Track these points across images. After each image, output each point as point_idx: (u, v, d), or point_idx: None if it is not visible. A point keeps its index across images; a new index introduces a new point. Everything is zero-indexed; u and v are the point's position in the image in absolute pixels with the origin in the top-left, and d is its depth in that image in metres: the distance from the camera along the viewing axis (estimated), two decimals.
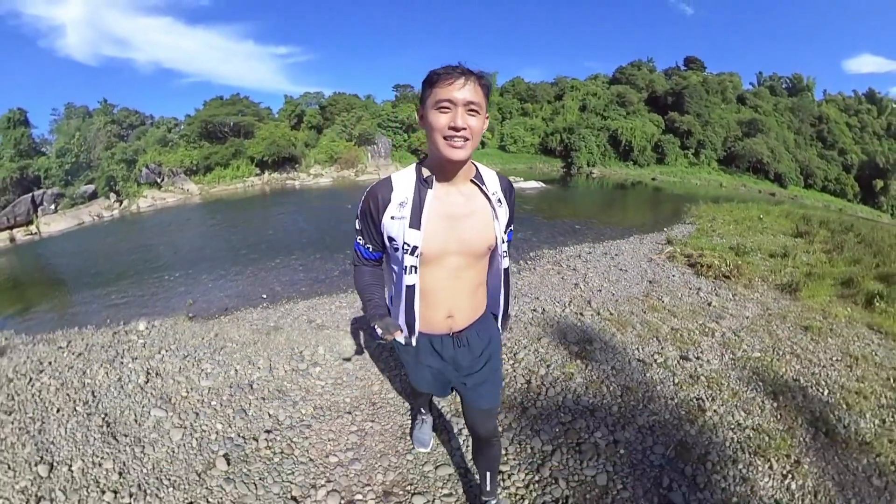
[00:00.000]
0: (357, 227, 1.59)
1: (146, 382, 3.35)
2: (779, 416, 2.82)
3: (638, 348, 3.68)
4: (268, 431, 2.75)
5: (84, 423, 2.84)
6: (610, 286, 5.37)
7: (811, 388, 3.14)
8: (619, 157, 54.55)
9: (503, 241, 1.58)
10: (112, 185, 34.50)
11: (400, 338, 1.60)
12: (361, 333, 4.10)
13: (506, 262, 1.65)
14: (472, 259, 1.57)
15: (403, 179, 1.51)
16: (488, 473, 2.00)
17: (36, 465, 2.48)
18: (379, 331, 1.46)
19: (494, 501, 2.09)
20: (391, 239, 1.50)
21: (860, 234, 9.56)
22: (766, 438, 2.59)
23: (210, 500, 2.24)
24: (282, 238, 12.93)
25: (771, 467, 2.38)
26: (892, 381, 3.21)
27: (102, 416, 2.93)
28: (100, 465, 2.49)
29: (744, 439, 2.59)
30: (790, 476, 2.32)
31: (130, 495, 2.27)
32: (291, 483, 2.35)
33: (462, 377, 1.76)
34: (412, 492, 2.30)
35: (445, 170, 1.46)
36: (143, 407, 3.02)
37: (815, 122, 61.77)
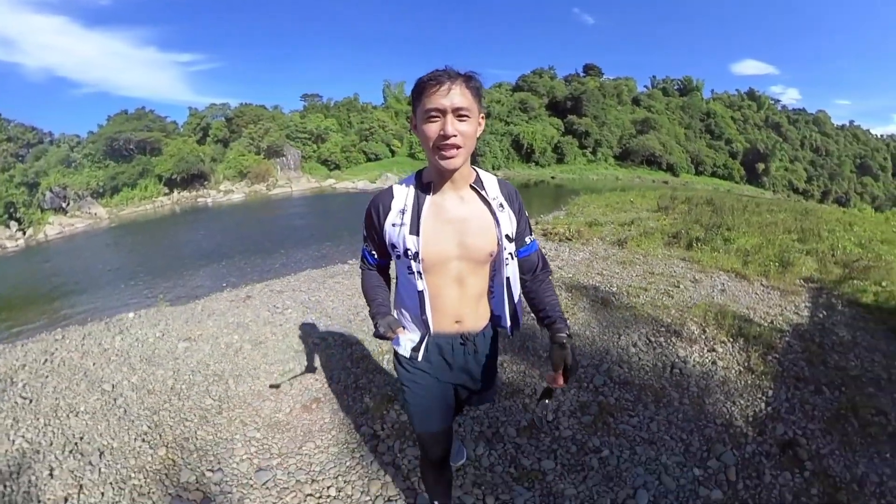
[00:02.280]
0: (364, 233, 1.67)
1: (162, 336, 4.27)
2: (570, 298, 4.62)
3: None
4: (271, 334, 4.19)
5: (125, 363, 3.74)
6: None
7: (604, 287, 4.97)
8: (522, 159, 58.19)
9: (504, 248, 1.57)
10: (12, 213, 31.75)
11: (404, 344, 1.66)
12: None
13: (508, 271, 1.62)
14: (475, 265, 1.58)
15: (403, 187, 1.56)
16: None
17: (99, 386, 3.36)
18: (381, 329, 1.47)
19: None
20: (393, 246, 1.54)
21: (713, 203, 12.03)
22: None
23: (248, 362, 3.67)
24: (217, 248, 13.78)
25: None
26: (676, 282, 5.09)
27: (137, 357, 3.86)
28: (153, 373, 3.55)
29: None
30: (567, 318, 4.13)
31: (190, 374, 3.49)
32: (292, 345, 3.94)
33: (468, 388, 1.81)
34: (363, 339, 4.01)
35: (443, 177, 1.49)
36: (169, 345, 4.07)
37: (704, 118, 68.83)
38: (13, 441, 2.80)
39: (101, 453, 2.69)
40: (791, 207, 15.20)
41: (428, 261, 1.50)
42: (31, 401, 3.23)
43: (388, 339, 1.47)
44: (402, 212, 1.50)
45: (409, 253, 1.49)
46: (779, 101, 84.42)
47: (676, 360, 3.50)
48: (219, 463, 2.54)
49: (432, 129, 1.34)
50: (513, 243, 1.59)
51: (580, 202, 13.31)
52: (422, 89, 1.33)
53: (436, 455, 1.83)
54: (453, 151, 1.35)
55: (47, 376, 3.57)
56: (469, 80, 1.35)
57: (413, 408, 1.74)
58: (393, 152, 58.06)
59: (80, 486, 2.45)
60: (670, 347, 3.69)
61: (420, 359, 1.66)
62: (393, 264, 1.67)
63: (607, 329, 4.02)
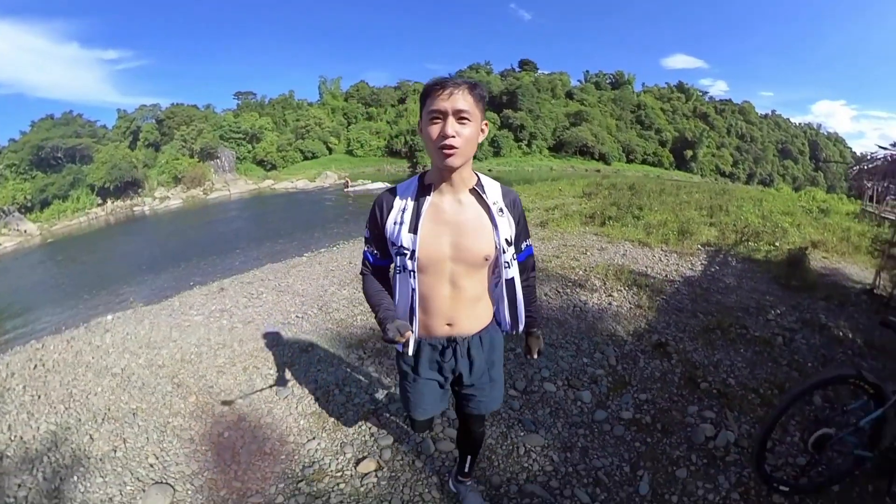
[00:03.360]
0: (366, 234, 1.71)
1: (151, 329, 4.55)
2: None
3: None
4: (256, 314, 4.83)
5: (125, 351, 4.07)
6: None
7: None
8: None
9: (504, 252, 1.60)
10: None
11: (412, 341, 1.61)
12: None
13: (510, 273, 1.67)
14: (470, 268, 1.60)
15: (406, 188, 1.62)
16: (469, 457, 2.20)
17: (108, 372, 3.71)
18: (390, 333, 1.47)
19: (470, 482, 2.33)
20: (393, 243, 1.59)
21: (635, 188, 13.53)
22: None
23: (244, 333, 4.30)
24: (171, 253, 14.09)
25: None
26: (585, 250, 6.21)
27: (136, 345, 4.18)
28: (158, 353, 4.00)
29: None
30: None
31: (195, 348, 4.04)
32: (278, 319, 4.61)
33: (463, 388, 1.85)
34: (336, 307, 4.78)
35: (443, 178, 1.53)
36: (162, 333, 4.44)
37: (635, 109, 74.06)
38: (38, 428, 3.04)
39: (135, 413, 3.12)
40: (709, 188, 17.16)
41: (422, 260, 1.56)
42: (39, 397, 3.39)
43: (397, 342, 1.49)
44: (403, 210, 1.57)
45: (406, 251, 1.55)
46: (707, 93, 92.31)
47: (578, 302, 4.54)
48: (244, 394, 3.26)
49: (434, 130, 1.40)
50: (512, 247, 1.65)
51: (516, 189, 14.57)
52: (428, 93, 1.42)
53: (419, 428, 2.07)
54: (452, 151, 1.41)
55: (46, 376, 3.70)
56: (474, 87, 1.44)
57: (404, 396, 1.89)
58: (330, 150, 57.70)
59: (124, 439, 2.87)
60: (574, 294, 4.74)
61: (411, 354, 1.68)
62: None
63: None
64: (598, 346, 3.73)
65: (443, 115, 1.39)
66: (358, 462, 2.59)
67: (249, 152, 52.73)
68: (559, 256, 6.13)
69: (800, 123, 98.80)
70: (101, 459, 2.75)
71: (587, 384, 3.22)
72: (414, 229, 1.53)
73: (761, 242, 7.43)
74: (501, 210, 1.59)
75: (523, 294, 1.75)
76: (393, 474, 2.51)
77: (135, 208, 38.75)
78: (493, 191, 1.61)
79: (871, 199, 13.25)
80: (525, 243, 1.76)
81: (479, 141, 1.50)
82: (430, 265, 1.57)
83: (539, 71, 78.30)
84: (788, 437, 2.71)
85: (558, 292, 4.85)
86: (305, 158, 55.72)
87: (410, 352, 1.65)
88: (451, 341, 1.71)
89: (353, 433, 2.83)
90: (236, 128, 52.96)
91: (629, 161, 66.65)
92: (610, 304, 4.57)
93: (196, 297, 5.72)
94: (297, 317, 4.71)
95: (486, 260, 1.59)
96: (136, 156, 43.44)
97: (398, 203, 1.59)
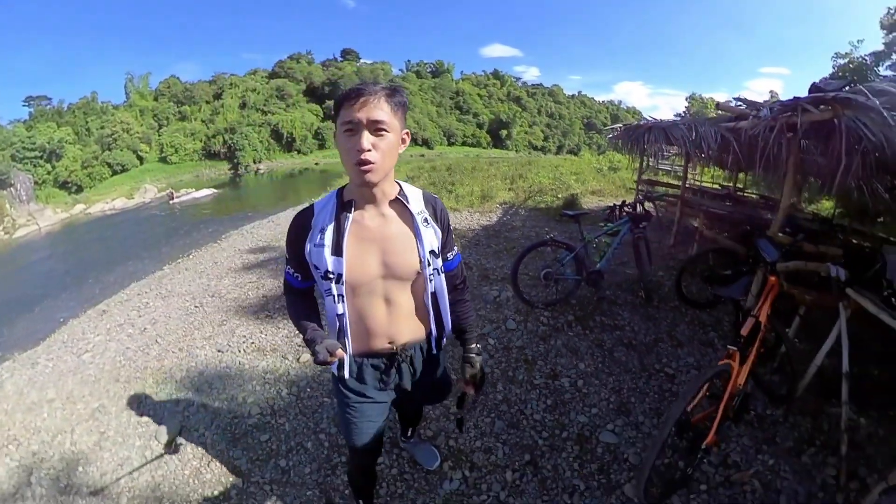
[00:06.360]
0: (287, 255, 1.63)
1: (55, 363, 4.45)
2: None
3: None
4: (159, 315, 5.47)
5: (46, 385, 4.00)
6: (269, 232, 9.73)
7: None
8: (284, 148, 59.90)
9: (428, 264, 1.56)
10: None
11: (346, 362, 1.63)
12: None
13: (433, 286, 1.63)
14: (401, 283, 1.58)
15: (324, 205, 1.54)
16: (410, 428, 2.61)
17: (38, 408, 3.61)
18: (320, 355, 1.41)
19: (414, 439, 2.74)
20: (315, 267, 1.52)
21: (451, 168, 16.24)
22: None
23: (161, 330, 4.99)
24: (14, 302, 12.31)
25: None
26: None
27: (54, 378, 4.11)
28: (85, 374, 4.10)
29: None
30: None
31: (120, 358, 4.30)
32: (180, 313, 5.43)
33: (409, 398, 1.90)
34: (209, 292, 5.87)
35: (362, 192, 1.47)
36: (71, 362, 4.41)
37: (454, 96, 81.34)
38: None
39: (102, 407, 3.50)
40: (518, 161, 20.69)
41: (352, 282, 1.51)
42: None
43: (329, 363, 1.45)
44: (323, 231, 1.49)
45: (332, 275, 1.48)
46: (520, 78, 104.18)
47: None
48: (191, 358, 4.22)
49: (348, 142, 1.34)
50: (438, 259, 1.61)
51: (340, 182, 16.03)
52: (341, 101, 1.34)
53: (366, 462, 2.01)
54: (368, 168, 1.34)
55: None
56: (392, 94, 1.37)
57: (346, 424, 1.81)
58: (141, 159, 51.56)
59: (108, 425, 3.28)
60: None
61: (348, 376, 1.68)
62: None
63: None
64: None
65: (356, 126, 1.33)
66: (298, 359, 4.08)
67: (49, 173, 44.57)
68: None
69: (603, 101, 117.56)
70: (96, 444, 3.11)
71: None
72: (338, 251, 1.48)
73: (546, 196, 10.33)
74: (426, 220, 1.57)
75: (458, 308, 1.81)
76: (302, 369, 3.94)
77: None
78: (415, 200, 1.59)
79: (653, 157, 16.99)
80: (452, 252, 1.74)
81: (400, 151, 1.46)
82: (361, 286, 1.54)
83: (361, 60, 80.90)
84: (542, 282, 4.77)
85: None
86: (115, 173, 48.95)
87: (347, 374, 1.67)
88: (393, 357, 1.69)
89: (278, 358, 4.18)
90: (31, 144, 44.36)
91: (450, 144, 72.91)
92: None
93: (80, 325, 5.64)
94: (195, 307, 5.53)
95: (417, 273, 1.58)
96: None
97: (316, 223, 1.53)
